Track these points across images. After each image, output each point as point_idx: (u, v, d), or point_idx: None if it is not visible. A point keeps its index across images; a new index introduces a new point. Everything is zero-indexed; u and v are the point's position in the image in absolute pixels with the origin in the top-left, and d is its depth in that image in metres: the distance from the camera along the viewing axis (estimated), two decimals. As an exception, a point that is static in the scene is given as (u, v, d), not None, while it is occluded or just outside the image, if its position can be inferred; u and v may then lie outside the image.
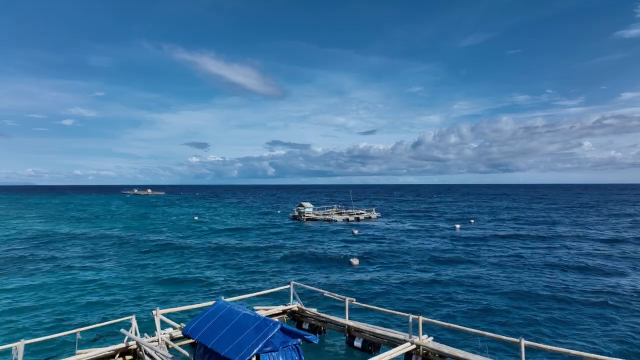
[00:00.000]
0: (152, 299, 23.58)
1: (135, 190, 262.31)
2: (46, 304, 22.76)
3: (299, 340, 10.24)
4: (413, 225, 65.38)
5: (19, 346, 12.41)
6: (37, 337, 13.93)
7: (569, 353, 11.82)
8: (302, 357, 10.43)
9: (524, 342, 11.88)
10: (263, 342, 9.29)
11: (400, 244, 44.68)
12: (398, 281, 27.63)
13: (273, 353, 9.66)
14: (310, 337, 10.41)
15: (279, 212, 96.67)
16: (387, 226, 63.75)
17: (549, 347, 12.45)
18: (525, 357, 11.77)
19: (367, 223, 69.19)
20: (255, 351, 9.14)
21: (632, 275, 28.70)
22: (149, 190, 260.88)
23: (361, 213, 79.43)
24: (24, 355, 12.52)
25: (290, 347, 10.05)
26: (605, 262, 33.57)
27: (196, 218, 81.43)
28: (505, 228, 59.22)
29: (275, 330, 9.57)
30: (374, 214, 79.43)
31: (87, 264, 33.63)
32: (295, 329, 10.30)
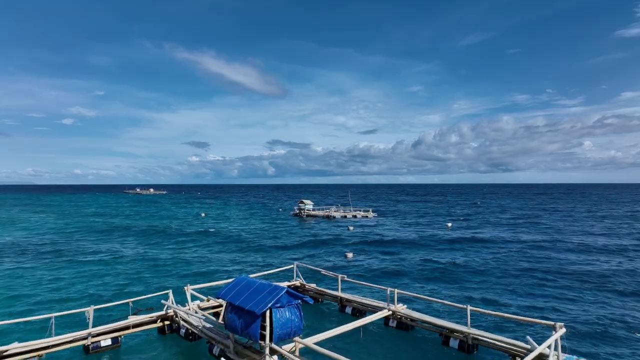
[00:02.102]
0: (175, 281, 27.77)
1: (138, 190, 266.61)
2: (96, 284, 27.03)
3: (300, 301, 14.39)
4: (407, 223, 69.56)
5: (90, 310, 16.57)
6: (100, 304, 18.16)
7: (503, 316, 16.02)
8: (302, 314, 14.57)
9: (469, 308, 16.02)
10: (274, 300, 13.43)
11: (392, 239, 48.82)
12: (386, 270, 31.83)
13: (281, 308, 13.82)
14: (306, 298, 14.57)
15: (280, 210, 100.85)
16: (382, 224, 67.94)
17: (487, 311, 16.68)
18: (471, 320, 15.81)
19: (363, 221, 73.41)
20: (269, 305, 13.28)
21: (608, 275, 32.85)
22: (151, 190, 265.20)
23: (358, 211, 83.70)
24: (94, 317, 16.67)
25: (293, 305, 14.20)
26: (585, 258, 37.74)
27: (203, 215, 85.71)
28: (496, 225, 63.34)
29: (283, 292, 13.72)
30: (371, 213, 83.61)
31: (116, 255, 37.85)
32: (297, 293, 14.41)
